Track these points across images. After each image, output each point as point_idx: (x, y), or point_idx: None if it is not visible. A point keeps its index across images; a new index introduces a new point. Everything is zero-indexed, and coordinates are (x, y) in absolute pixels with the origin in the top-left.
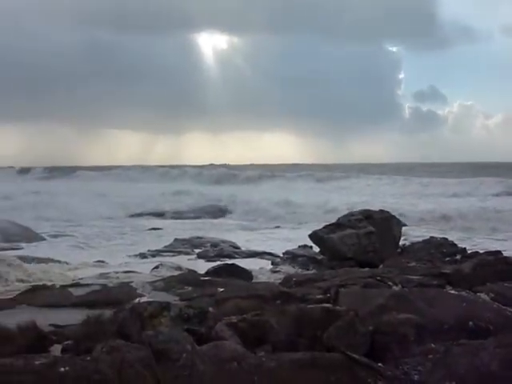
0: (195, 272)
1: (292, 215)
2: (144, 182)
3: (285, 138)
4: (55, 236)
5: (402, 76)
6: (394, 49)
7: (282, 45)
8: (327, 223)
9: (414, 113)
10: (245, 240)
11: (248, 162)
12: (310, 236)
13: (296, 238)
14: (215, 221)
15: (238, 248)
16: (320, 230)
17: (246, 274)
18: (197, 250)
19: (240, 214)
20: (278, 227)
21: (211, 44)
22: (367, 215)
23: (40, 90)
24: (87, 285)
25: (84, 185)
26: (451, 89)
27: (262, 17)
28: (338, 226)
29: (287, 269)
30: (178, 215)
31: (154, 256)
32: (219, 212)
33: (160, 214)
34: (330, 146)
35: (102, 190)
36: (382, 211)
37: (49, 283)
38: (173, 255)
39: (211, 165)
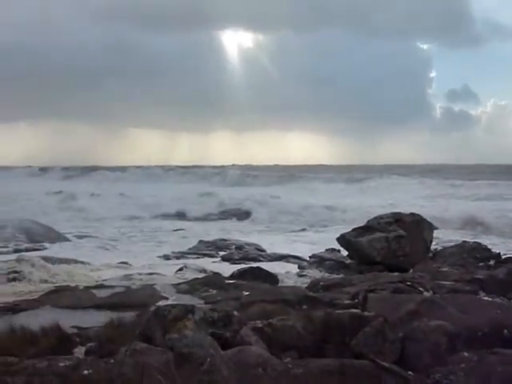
0: (220, 275)
1: (318, 218)
2: (166, 183)
3: (311, 139)
4: (78, 237)
5: (433, 74)
6: (425, 46)
7: (308, 42)
8: (355, 226)
9: (445, 112)
10: (269, 243)
11: (272, 163)
12: (338, 239)
13: (323, 241)
14: (239, 223)
15: (263, 251)
16: (348, 233)
17: (271, 278)
18: (221, 253)
19: (264, 216)
20: (303, 230)
21: (235, 42)
22: (397, 218)
23: (57, 88)
24: (110, 286)
25: (105, 185)
26: (485, 88)
27: (288, 14)
28: (366, 229)
29: (314, 273)
30: (201, 217)
31: (178, 258)
32: (243, 214)
33: (183, 216)
34: (358, 147)
35: (124, 190)
36: (412, 214)
37: (72, 284)
38: (197, 257)
39: (234, 165)
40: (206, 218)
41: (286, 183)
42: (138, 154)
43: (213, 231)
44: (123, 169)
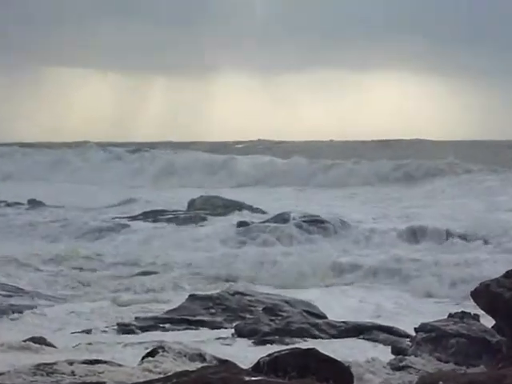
0: (233, 365)
1: (433, 251)
2: (120, 179)
3: (408, 86)
4: None
5: None
6: None
7: None
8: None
9: None
10: (333, 297)
11: (327, 137)
12: (475, 294)
13: (442, 298)
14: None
15: (320, 316)
16: (496, 280)
17: (339, 372)
18: (236, 322)
19: (329, 245)
20: (391, 275)
21: None
22: None
23: None
24: None
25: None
26: None
27: None
28: None
29: (425, 362)
30: (196, 245)
31: (145, 330)
32: (279, 239)
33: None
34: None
35: (38, 192)
36: None
37: None
38: (185, 329)
39: (259, 141)
40: (203, 243)
41: (362, 181)
42: (65, 121)
43: (215, 274)
44: (37, 149)
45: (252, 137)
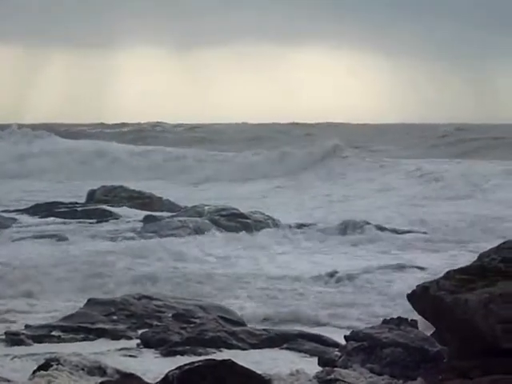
0: (138, 379)
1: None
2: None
3: (344, 63)
4: None
5: None
6: None
7: None
8: (455, 267)
9: None
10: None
11: (240, 120)
12: (412, 296)
13: (370, 299)
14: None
15: (238, 323)
16: (436, 282)
17: None
18: (141, 330)
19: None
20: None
21: None
22: None
23: None
24: None
25: None
26: None
27: None
28: (477, 273)
29: (356, 375)
30: (104, 236)
31: (37, 340)
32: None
33: (55, 236)
34: (456, 86)
35: None
36: None
37: None
38: (83, 339)
39: (158, 124)
40: (114, 237)
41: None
42: None
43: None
44: None
45: (151, 118)
